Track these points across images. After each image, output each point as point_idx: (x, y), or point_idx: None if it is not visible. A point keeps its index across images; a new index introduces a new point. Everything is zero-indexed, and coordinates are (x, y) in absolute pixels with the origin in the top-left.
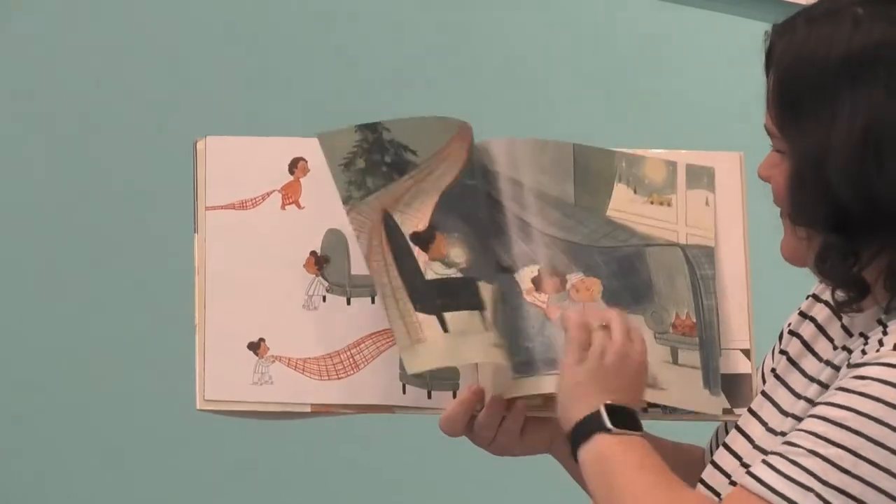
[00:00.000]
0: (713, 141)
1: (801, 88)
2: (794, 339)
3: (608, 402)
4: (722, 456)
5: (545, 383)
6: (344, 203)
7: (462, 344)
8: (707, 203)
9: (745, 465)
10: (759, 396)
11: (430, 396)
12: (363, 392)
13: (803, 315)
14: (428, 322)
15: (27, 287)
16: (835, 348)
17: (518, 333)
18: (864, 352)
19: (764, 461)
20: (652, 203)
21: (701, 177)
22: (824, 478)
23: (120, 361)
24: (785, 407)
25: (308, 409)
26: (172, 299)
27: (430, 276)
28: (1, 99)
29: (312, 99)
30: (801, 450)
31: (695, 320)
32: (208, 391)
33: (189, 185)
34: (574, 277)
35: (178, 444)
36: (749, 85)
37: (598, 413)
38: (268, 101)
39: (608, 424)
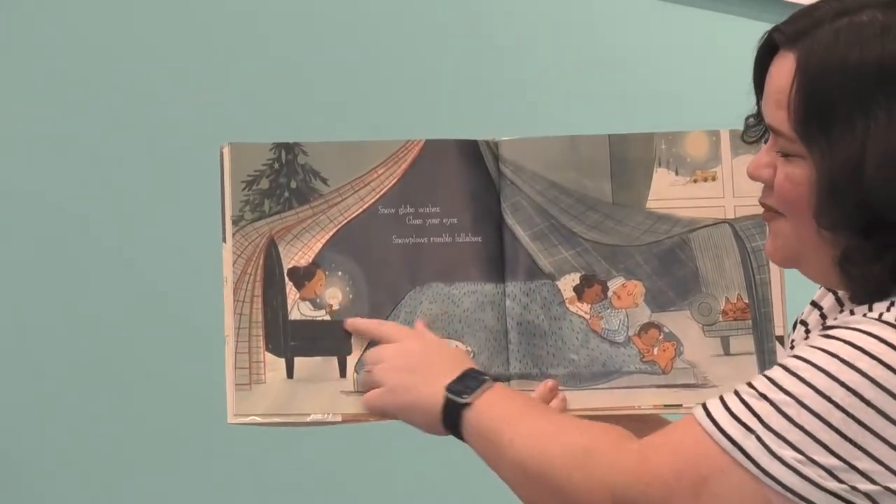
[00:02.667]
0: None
1: (832, 97)
2: (802, 328)
3: (444, 383)
4: None
5: (591, 398)
6: (233, 223)
7: (302, 393)
8: None
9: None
10: None
11: None
12: None
13: (814, 304)
14: (274, 364)
15: (46, 299)
16: None
17: (563, 344)
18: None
19: (720, 396)
20: (696, 181)
21: None
22: (767, 421)
23: (145, 372)
24: None
25: (339, 420)
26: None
27: (294, 315)
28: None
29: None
30: (753, 391)
31: (747, 301)
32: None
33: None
34: (615, 283)
35: (208, 457)
36: (748, 85)
37: (446, 399)
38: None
39: (461, 400)
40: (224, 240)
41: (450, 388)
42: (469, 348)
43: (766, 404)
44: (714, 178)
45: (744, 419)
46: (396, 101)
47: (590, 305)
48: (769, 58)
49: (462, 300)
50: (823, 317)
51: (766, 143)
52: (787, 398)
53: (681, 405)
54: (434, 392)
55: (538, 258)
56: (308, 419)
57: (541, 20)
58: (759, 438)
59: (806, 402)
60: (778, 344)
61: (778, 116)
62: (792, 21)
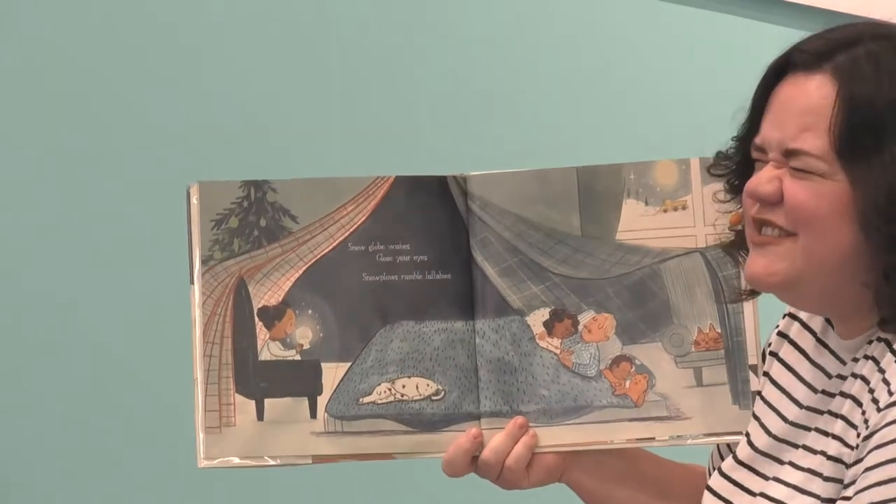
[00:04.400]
0: (711, 143)
1: (883, 121)
2: (775, 361)
3: None
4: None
5: (563, 433)
6: (202, 263)
7: (272, 434)
8: None
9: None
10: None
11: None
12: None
13: (782, 336)
14: (244, 406)
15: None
16: (827, 374)
17: (533, 380)
18: (885, 381)
19: None
20: (665, 211)
21: None
22: None
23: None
24: (774, 431)
25: (310, 461)
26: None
27: (264, 356)
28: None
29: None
30: None
31: (719, 330)
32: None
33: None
34: (586, 317)
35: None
36: (748, 85)
37: None
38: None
39: None
40: (192, 281)
41: None
42: (439, 387)
43: None
44: (684, 207)
45: None
46: (396, 106)
47: (560, 340)
48: (776, 80)
49: (432, 338)
50: (821, 342)
51: (735, 176)
52: None
53: (654, 438)
54: None
55: (507, 294)
56: (279, 461)
57: (539, 20)
58: None
59: None
60: (751, 373)
61: (805, 138)
62: (817, 41)
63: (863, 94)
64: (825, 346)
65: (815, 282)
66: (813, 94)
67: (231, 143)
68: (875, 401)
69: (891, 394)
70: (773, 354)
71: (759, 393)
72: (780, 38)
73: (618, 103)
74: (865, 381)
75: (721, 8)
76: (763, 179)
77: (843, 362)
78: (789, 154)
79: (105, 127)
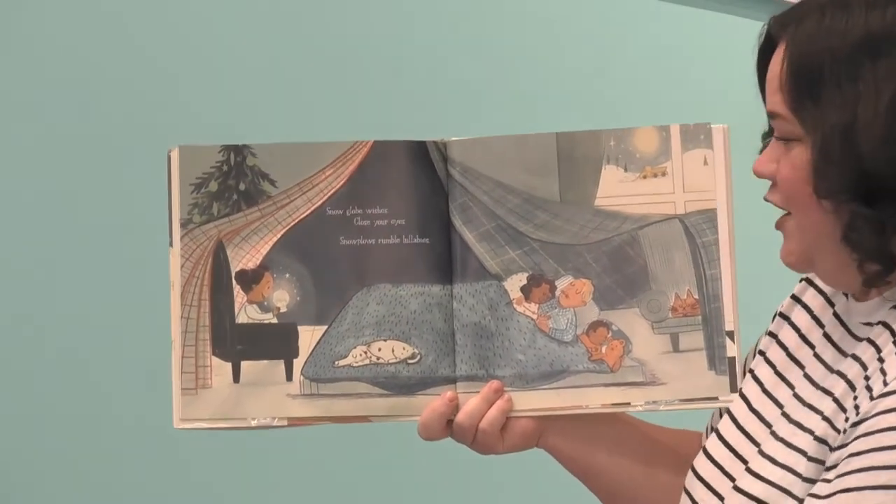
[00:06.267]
0: None
1: (820, 67)
2: (785, 324)
3: None
4: (713, 444)
5: (538, 398)
6: (182, 226)
7: (248, 396)
8: (706, 162)
9: (736, 454)
10: (749, 378)
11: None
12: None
13: (795, 299)
14: (221, 368)
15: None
16: (838, 350)
17: (509, 345)
18: (883, 371)
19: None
20: (645, 177)
21: (697, 135)
22: None
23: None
24: (767, 386)
25: (285, 423)
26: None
27: (241, 319)
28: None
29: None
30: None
31: (697, 297)
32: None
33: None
34: (563, 282)
35: (157, 462)
36: (749, 85)
37: None
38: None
39: None
40: (171, 244)
41: None
42: (416, 350)
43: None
44: (664, 174)
45: None
46: (390, 97)
47: (537, 305)
48: (770, 55)
49: (409, 302)
50: (816, 320)
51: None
52: None
53: (629, 403)
54: None
55: (485, 259)
56: (254, 423)
57: (538, 20)
58: None
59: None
60: (728, 339)
61: (775, 100)
62: (786, 12)
63: (801, 45)
64: (832, 306)
65: (825, 258)
66: (777, 58)
67: (213, 113)
68: (869, 388)
69: (886, 384)
70: (784, 317)
71: (762, 353)
72: None
73: (617, 103)
74: (864, 366)
75: (721, 8)
76: (763, 159)
77: (853, 334)
78: (771, 120)
79: (93, 91)
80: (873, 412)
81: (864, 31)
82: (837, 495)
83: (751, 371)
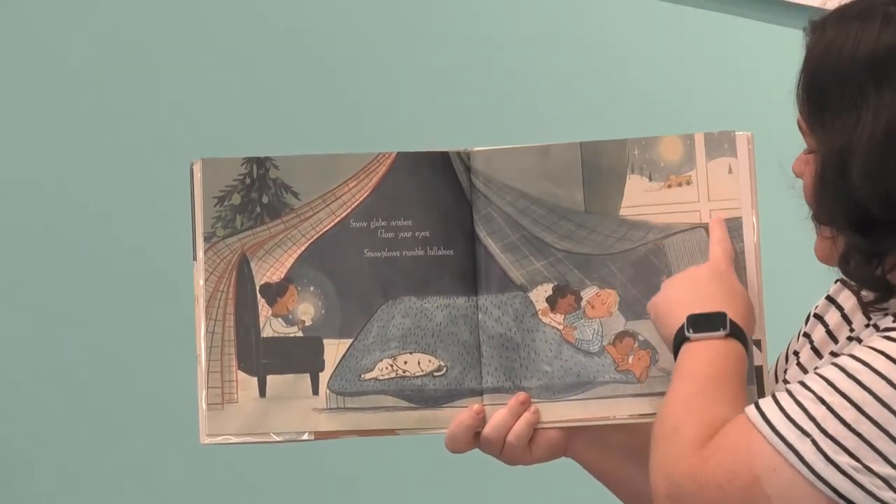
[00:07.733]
0: None
1: (828, 87)
2: (819, 324)
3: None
4: None
5: (565, 409)
6: (205, 240)
7: (274, 410)
8: (730, 170)
9: None
10: (781, 381)
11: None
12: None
13: (830, 300)
14: (246, 383)
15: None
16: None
17: (536, 356)
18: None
19: (773, 395)
20: (670, 186)
21: (721, 143)
22: (823, 425)
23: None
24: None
25: (312, 437)
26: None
27: (266, 333)
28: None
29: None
30: (809, 393)
31: None
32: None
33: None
34: (589, 293)
35: (183, 479)
36: (749, 85)
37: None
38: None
39: (685, 333)
40: (195, 257)
41: (690, 317)
42: (442, 363)
43: (823, 408)
44: (689, 183)
45: (800, 422)
46: (387, 108)
47: (563, 316)
48: None
49: (435, 314)
50: (846, 318)
51: None
52: (845, 402)
53: (656, 414)
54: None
55: (510, 270)
56: (281, 437)
57: (538, 19)
58: (814, 443)
59: (865, 408)
60: (755, 348)
61: (800, 112)
62: (819, 19)
63: (814, 60)
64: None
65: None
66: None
67: (235, 124)
68: (876, 326)
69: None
70: (818, 317)
71: (796, 353)
72: (780, 38)
73: (617, 104)
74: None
75: (721, 8)
76: (798, 160)
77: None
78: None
79: (116, 104)
80: (874, 334)
81: (871, 53)
82: (826, 366)
83: (784, 372)
